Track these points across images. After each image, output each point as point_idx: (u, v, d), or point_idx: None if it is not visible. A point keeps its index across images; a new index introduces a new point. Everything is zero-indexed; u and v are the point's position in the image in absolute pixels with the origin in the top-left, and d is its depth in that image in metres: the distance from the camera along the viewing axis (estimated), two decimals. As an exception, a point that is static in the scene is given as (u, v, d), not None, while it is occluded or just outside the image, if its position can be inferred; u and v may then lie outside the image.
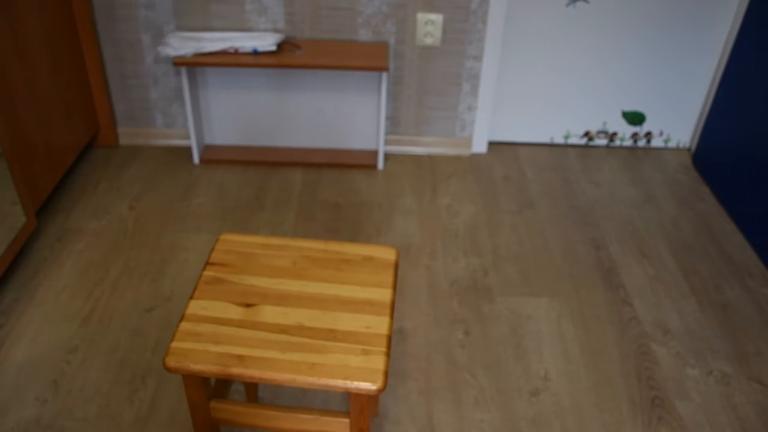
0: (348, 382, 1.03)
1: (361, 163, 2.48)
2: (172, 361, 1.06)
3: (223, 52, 2.24)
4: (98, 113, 2.47)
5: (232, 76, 2.41)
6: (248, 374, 1.04)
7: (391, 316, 1.15)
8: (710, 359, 1.74)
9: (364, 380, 1.03)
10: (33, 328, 1.75)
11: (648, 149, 2.66)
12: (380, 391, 1.03)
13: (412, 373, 1.67)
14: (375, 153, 2.53)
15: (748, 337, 1.82)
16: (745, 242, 2.17)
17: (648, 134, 2.64)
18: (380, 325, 1.13)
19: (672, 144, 2.66)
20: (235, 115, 2.51)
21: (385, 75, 2.26)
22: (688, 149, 2.67)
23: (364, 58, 2.23)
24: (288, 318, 1.13)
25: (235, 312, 1.14)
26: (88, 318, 1.78)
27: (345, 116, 2.50)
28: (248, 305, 1.16)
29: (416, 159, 2.55)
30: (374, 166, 2.48)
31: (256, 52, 2.24)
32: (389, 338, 1.11)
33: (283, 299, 1.17)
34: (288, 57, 2.22)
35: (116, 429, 1.50)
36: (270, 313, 1.14)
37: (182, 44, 2.20)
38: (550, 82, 2.51)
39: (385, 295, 1.19)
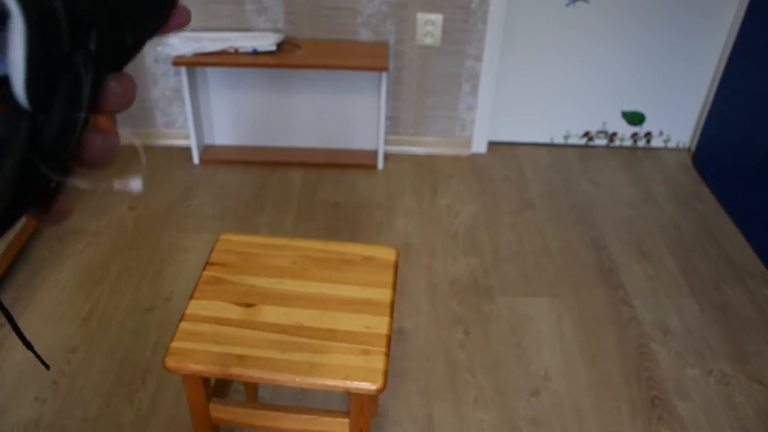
0: (348, 382, 1.03)
1: (361, 163, 2.48)
2: (171, 361, 1.06)
3: (223, 52, 2.24)
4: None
5: (232, 76, 2.42)
6: (248, 374, 1.04)
7: (391, 316, 1.15)
8: (710, 359, 1.74)
9: (364, 380, 1.03)
10: (33, 328, 1.75)
11: (648, 149, 2.66)
12: (380, 391, 1.03)
13: (412, 373, 1.67)
14: (375, 153, 2.53)
15: (748, 337, 1.82)
16: (745, 242, 2.17)
17: (648, 134, 2.64)
18: (380, 325, 1.13)
19: (672, 144, 2.66)
20: (235, 115, 2.51)
21: (385, 75, 2.26)
22: (688, 149, 2.67)
23: (364, 58, 2.23)
24: (288, 318, 1.13)
25: (234, 312, 1.14)
26: (88, 318, 1.78)
27: (345, 116, 2.50)
28: (248, 305, 1.16)
29: (416, 159, 2.55)
30: (374, 166, 2.48)
31: (255, 52, 2.24)
32: (389, 338, 1.11)
33: (282, 299, 1.17)
34: (288, 57, 2.22)
35: (116, 429, 1.50)
36: (270, 313, 1.14)
37: (182, 44, 2.20)
38: (550, 82, 2.51)
39: (385, 295, 1.19)
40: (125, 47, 0.32)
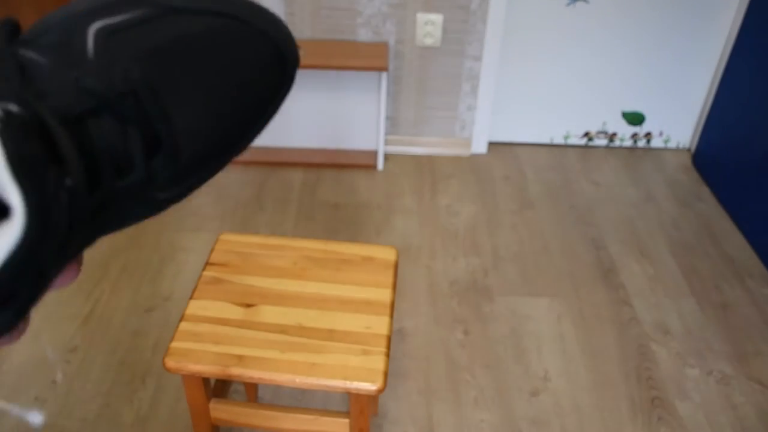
0: (348, 382, 1.03)
1: (361, 163, 2.48)
2: (171, 362, 1.06)
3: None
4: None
5: (232, 76, 2.41)
6: (248, 374, 1.04)
7: (391, 316, 1.15)
8: (710, 359, 1.74)
9: (364, 380, 1.03)
10: (33, 328, 1.75)
11: (648, 149, 2.66)
12: (380, 391, 1.03)
13: (411, 373, 1.67)
14: (375, 153, 2.53)
15: (748, 337, 1.82)
16: (745, 242, 2.17)
17: (648, 134, 2.64)
18: (380, 325, 1.13)
19: (672, 144, 2.66)
20: (235, 116, 2.51)
21: (384, 75, 2.26)
22: (688, 149, 2.67)
23: (363, 58, 2.23)
24: (287, 318, 1.13)
25: (234, 312, 1.14)
26: (88, 318, 1.78)
27: (345, 116, 2.50)
28: (248, 305, 1.16)
29: (416, 159, 2.55)
30: (374, 167, 2.48)
31: (255, 53, 2.24)
32: (389, 338, 1.11)
33: (282, 299, 1.17)
34: (288, 57, 2.22)
35: (116, 429, 1.50)
36: (270, 313, 1.14)
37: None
38: (549, 82, 2.51)
39: (384, 295, 1.19)
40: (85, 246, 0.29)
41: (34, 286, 0.24)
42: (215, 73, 0.31)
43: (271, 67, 0.33)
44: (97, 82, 0.26)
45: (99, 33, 0.28)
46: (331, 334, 1.11)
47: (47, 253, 0.24)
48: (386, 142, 2.57)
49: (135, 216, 0.30)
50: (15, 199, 0.22)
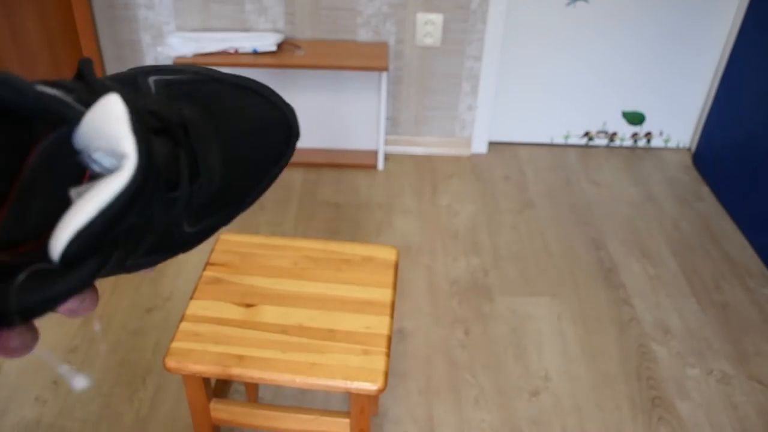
0: (348, 382, 1.03)
1: (361, 163, 2.48)
2: (172, 362, 1.06)
3: (223, 53, 2.24)
4: (98, 113, 2.47)
5: (232, 76, 2.41)
6: (248, 374, 1.04)
7: (391, 316, 1.15)
8: (710, 359, 1.74)
9: (365, 380, 1.03)
10: (33, 329, 1.75)
11: (648, 149, 2.66)
12: (380, 391, 1.03)
13: (412, 373, 1.67)
14: (375, 153, 2.53)
15: (748, 337, 1.82)
16: (745, 242, 2.17)
17: (648, 134, 2.64)
18: (380, 325, 1.13)
19: (672, 144, 2.66)
20: (235, 116, 2.51)
21: (384, 75, 2.26)
22: (688, 149, 2.67)
23: (363, 58, 2.23)
24: (288, 318, 1.13)
25: (235, 312, 1.14)
26: (88, 318, 1.78)
27: (345, 116, 2.50)
28: (248, 305, 1.16)
29: (416, 159, 2.55)
30: (374, 166, 2.48)
31: (256, 53, 2.24)
32: (389, 338, 1.11)
33: (283, 299, 1.17)
34: (288, 57, 2.22)
35: (117, 429, 1.50)
36: (270, 314, 1.14)
37: (182, 44, 2.20)
38: (550, 82, 2.51)
39: (385, 295, 1.19)
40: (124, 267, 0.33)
41: (104, 256, 0.26)
42: (240, 128, 0.38)
43: (280, 134, 0.41)
44: (160, 110, 0.32)
45: (158, 81, 0.35)
46: (331, 334, 1.11)
47: (132, 218, 0.26)
48: (386, 142, 2.57)
49: (164, 249, 0.34)
50: (129, 147, 0.25)
